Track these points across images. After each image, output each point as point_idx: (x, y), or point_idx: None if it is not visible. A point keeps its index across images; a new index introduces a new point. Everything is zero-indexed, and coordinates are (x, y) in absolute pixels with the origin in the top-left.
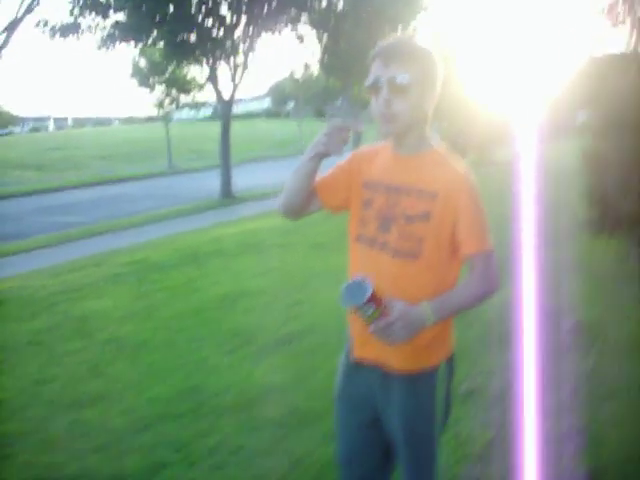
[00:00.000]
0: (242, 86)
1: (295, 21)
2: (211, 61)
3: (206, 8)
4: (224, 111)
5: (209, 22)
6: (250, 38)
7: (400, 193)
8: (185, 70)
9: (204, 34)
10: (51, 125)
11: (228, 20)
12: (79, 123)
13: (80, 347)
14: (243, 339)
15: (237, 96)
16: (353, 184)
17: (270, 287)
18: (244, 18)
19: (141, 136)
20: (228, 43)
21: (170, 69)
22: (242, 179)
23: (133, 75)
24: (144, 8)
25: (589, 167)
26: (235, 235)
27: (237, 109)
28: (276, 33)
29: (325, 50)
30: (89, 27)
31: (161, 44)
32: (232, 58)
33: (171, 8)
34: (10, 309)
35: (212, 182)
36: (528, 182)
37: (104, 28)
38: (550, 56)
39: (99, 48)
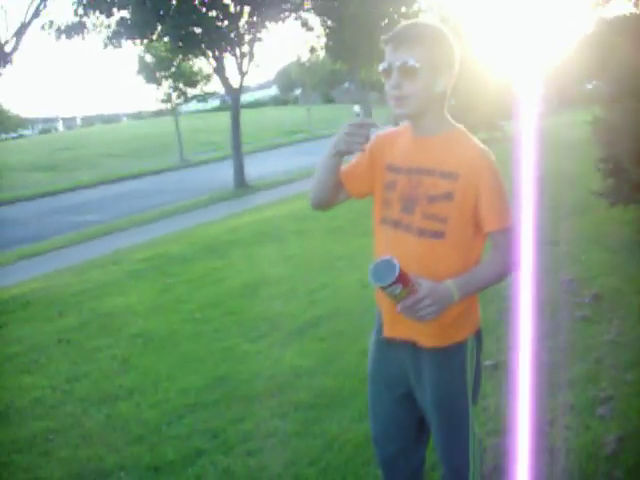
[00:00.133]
0: (248, 75)
1: (298, 9)
2: (217, 52)
3: None
4: (233, 101)
5: (213, 14)
6: (255, 27)
7: (422, 174)
8: (191, 63)
9: (209, 26)
10: (60, 125)
11: (232, 10)
12: (88, 121)
13: (109, 343)
14: (269, 326)
15: (244, 85)
16: (376, 167)
17: (291, 273)
18: (247, 8)
19: (150, 131)
20: (233, 33)
21: (176, 63)
22: (254, 168)
23: (139, 71)
24: (148, 4)
25: (600, 137)
26: (252, 224)
27: (244, 98)
28: (280, 22)
29: (330, 35)
30: (94, 26)
31: (166, 39)
32: (238, 48)
33: (174, 1)
34: (38, 309)
35: (224, 173)
36: (538, 156)
37: (109, 26)
38: (558, 22)
39: (105, 47)
